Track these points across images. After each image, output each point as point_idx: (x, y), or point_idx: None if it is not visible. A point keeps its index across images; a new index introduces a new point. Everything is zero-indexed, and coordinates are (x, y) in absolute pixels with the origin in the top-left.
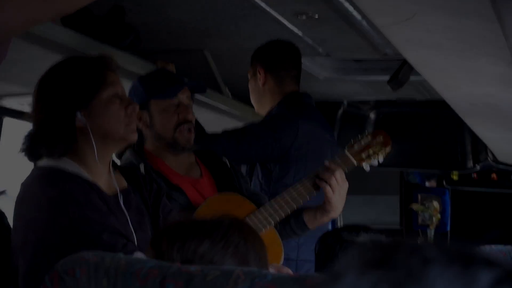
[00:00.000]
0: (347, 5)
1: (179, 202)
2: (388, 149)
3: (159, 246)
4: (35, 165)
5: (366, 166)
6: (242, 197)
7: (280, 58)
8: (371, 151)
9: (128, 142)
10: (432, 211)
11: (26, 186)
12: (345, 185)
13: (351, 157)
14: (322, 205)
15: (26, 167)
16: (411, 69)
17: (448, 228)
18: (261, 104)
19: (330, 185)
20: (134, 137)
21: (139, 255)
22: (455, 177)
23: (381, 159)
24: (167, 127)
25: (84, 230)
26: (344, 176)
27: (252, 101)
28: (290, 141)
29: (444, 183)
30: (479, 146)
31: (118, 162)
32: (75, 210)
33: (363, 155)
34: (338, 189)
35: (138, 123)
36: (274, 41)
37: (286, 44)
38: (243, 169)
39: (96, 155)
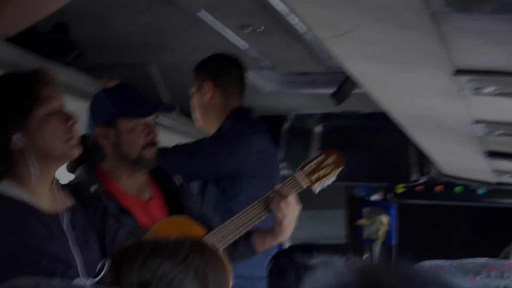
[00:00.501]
0: (291, 17)
1: (128, 227)
2: (340, 169)
3: (118, 265)
4: None
5: (315, 190)
6: (191, 221)
7: (228, 73)
8: (322, 173)
9: (70, 159)
10: (378, 225)
11: None
12: (297, 209)
13: (302, 180)
14: (272, 229)
15: None
16: (354, 83)
17: (394, 242)
18: (206, 119)
19: (281, 210)
20: (76, 152)
21: (78, 281)
22: (400, 190)
23: (331, 180)
24: (134, 147)
25: (22, 257)
26: (295, 200)
27: (196, 115)
28: (244, 157)
29: (389, 196)
30: (424, 159)
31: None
32: (12, 237)
33: (314, 177)
34: (289, 213)
35: (101, 141)
36: (220, 55)
37: (232, 59)
38: (195, 186)
39: (37, 175)
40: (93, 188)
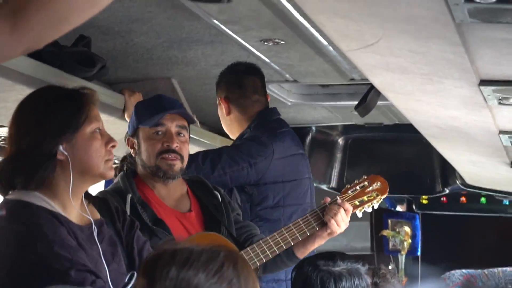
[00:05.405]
0: (313, 31)
1: (161, 237)
2: (384, 197)
3: (152, 273)
4: (4, 198)
5: (359, 213)
6: (225, 239)
7: (240, 86)
8: (365, 198)
9: (105, 179)
10: (403, 236)
11: None
12: (348, 222)
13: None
14: (317, 236)
15: None
16: (378, 94)
17: (419, 253)
18: (231, 132)
19: (336, 220)
20: (111, 174)
21: None
22: (424, 201)
23: (375, 206)
24: (150, 154)
25: (52, 266)
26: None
27: (224, 129)
28: (266, 165)
29: (414, 207)
30: (448, 170)
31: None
32: (42, 245)
33: (357, 202)
34: (343, 226)
35: (130, 150)
36: (233, 67)
37: (246, 69)
38: None
39: (71, 189)
40: (129, 197)
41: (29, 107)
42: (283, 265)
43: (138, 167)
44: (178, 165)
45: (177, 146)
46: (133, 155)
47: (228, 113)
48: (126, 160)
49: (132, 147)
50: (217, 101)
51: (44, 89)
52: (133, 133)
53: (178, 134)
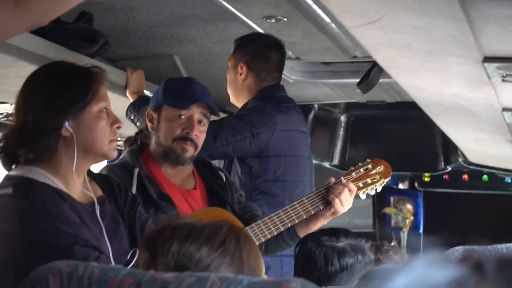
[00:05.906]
0: (315, 7)
1: (166, 212)
2: (387, 180)
3: (154, 248)
4: (6, 174)
5: (362, 195)
6: (230, 214)
7: (265, 59)
8: (369, 180)
9: (107, 159)
10: (405, 213)
11: None
12: (351, 202)
13: (347, 184)
14: (320, 215)
15: None
16: (381, 72)
17: (421, 230)
18: (237, 97)
19: (340, 200)
20: (114, 155)
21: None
22: (426, 179)
23: (379, 189)
24: (168, 136)
25: (55, 242)
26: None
27: (229, 91)
28: (269, 136)
29: (416, 185)
30: (450, 148)
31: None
32: (46, 222)
33: (361, 184)
34: (347, 206)
35: (148, 123)
36: (261, 37)
37: (273, 43)
38: (220, 164)
39: (75, 166)
40: (136, 171)
41: (39, 81)
42: (284, 245)
43: (151, 142)
44: (191, 151)
45: (195, 135)
46: (149, 129)
47: (244, 79)
48: (142, 133)
49: (151, 121)
50: (232, 63)
51: (55, 65)
52: (156, 108)
53: (199, 122)
